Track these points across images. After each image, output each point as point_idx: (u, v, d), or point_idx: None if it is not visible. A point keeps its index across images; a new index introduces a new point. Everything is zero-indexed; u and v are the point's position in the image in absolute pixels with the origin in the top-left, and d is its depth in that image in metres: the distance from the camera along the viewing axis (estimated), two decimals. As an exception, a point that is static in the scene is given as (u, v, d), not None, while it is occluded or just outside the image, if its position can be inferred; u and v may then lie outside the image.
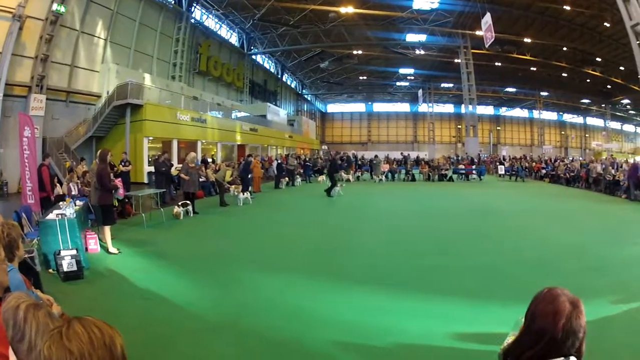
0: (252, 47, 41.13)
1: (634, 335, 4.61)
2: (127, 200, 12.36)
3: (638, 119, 72.39)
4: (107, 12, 24.33)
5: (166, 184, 15.45)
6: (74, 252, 6.47)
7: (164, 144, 23.76)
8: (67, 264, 6.29)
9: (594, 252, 8.96)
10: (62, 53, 21.67)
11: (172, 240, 9.32)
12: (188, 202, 12.42)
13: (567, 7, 32.40)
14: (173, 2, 29.72)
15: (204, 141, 27.31)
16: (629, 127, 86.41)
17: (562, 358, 1.33)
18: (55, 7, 19.56)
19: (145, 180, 20.92)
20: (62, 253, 6.41)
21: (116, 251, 7.81)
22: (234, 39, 39.04)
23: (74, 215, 7.33)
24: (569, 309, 1.37)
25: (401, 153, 38.46)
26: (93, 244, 8.00)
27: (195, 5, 31.74)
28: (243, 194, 15.55)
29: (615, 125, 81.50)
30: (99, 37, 24.10)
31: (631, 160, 28.38)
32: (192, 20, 31.56)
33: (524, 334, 1.43)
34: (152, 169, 17.91)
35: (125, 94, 21.88)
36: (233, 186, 16.46)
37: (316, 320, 4.85)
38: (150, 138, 22.79)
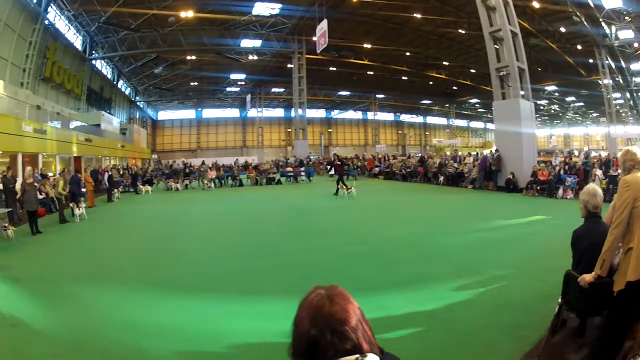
0: (93, 52, 42.05)
1: (496, 315, 5.81)
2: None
3: (488, 116, 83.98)
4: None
5: (14, 202, 16.75)
6: None
7: (10, 158, 24.12)
8: None
9: (433, 240, 11.01)
10: None
11: (23, 262, 10.38)
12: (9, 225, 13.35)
13: (418, 15, 38.67)
14: (35, 1, 29.76)
15: (44, 154, 27.87)
16: (477, 124, 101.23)
17: (357, 356, 1.31)
18: None
19: (-4, 200, 21.10)
20: None
21: None
22: (78, 43, 39.34)
23: None
24: (318, 302, 1.40)
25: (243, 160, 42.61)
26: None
27: (51, 5, 32.01)
28: (79, 210, 17.17)
29: (460, 122, 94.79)
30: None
31: (474, 153, 33.70)
32: (46, 22, 31.83)
33: (292, 334, 1.42)
34: (1, 186, 18.42)
35: (-20, 103, 21.47)
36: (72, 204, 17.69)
37: (154, 331, 5.74)
38: (0, 152, 23.45)
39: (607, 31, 36.61)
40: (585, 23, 34.88)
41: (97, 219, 17.79)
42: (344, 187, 22.22)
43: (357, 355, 1.33)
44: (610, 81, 42.27)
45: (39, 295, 7.59)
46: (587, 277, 4.30)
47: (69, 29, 37.78)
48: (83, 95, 42.86)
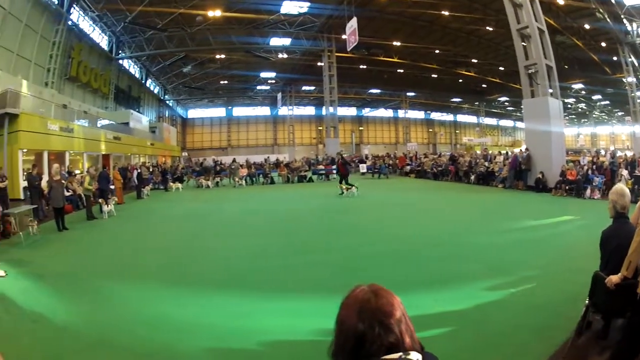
0: (119, 52, 42.89)
1: (526, 316, 5.79)
2: (6, 218, 13.47)
3: (517, 114, 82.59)
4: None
5: (39, 199, 16.76)
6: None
7: (36, 156, 24.43)
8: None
9: (464, 240, 10.97)
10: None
11: (48, 259, 10.39)
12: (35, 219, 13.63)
13: (445, 13, 38.15)
14: (56, 3, 31.32)
15: (71, 152, 28.39)
16: (506, 122, 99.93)
17: (401, 354, 1.29)
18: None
19: (22, 196, 21.40)
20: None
21: (3, 273, 8.50)
22: (104, 43, 40.18)
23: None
24: (363, 296, 1.39)
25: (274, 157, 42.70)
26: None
27: (74, 6, 32.72)
28: (107, 207, 17.25)
29: (490, 121, 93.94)
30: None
31: (504, 152, 34.03)
32: (70, 22, 32.54)
33: (335, 332, 1.40)
34: (27, 184, 18.76)
35: (4, 102, 22.17)
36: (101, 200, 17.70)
37: (182, 327, 5.74)
38: (25, 150, 23.37)
39: (629, 28, 36.43)
40: (607, 20, 34.72)
41: (125, 216, 17.94)
42: (346, 187, 22.26)
43: (401, 353, 1.32)
44: (634, 79, 41.53)
45: (62, 292, 7.59)
46: (614, 279, 4.26)
47: (94, 29, 38.64)
48: (110, 94, 43.74)
